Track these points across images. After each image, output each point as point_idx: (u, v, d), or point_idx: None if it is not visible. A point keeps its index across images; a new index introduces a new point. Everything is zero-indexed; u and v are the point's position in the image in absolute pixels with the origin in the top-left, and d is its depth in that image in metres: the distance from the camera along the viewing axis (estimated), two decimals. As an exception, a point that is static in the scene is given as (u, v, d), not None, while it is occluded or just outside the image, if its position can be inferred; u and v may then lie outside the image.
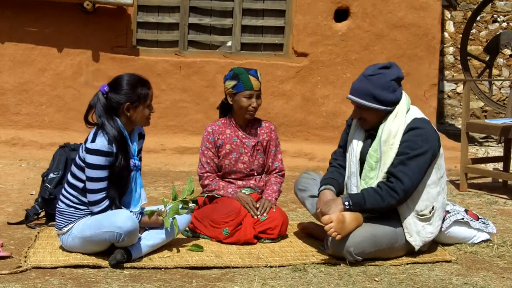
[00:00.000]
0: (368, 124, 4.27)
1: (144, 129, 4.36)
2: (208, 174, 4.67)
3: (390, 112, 4.20)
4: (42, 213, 4.84)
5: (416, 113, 4.26)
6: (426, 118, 4.28)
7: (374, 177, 4.19)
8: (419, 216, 4.20)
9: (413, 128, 4.15)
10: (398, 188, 4.07)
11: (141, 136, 4.31)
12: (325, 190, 4.27)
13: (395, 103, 4.21)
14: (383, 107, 4.18)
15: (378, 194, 4.10)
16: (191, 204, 4.41)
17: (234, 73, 4.63)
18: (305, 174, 4.68)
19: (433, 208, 4.22)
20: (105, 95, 4.09)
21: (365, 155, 4.25)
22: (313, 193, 4.46)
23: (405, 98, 4.25)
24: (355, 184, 4.29)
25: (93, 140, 4.00)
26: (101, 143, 3.99)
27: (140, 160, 4.24)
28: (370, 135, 4.30)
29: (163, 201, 4.39)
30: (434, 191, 4.24)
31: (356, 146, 4.32)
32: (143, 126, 4.24)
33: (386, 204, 4.10)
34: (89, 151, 3.99)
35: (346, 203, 4.12)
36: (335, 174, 4.39)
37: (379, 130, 4.22)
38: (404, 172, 4.09)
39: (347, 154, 4.38)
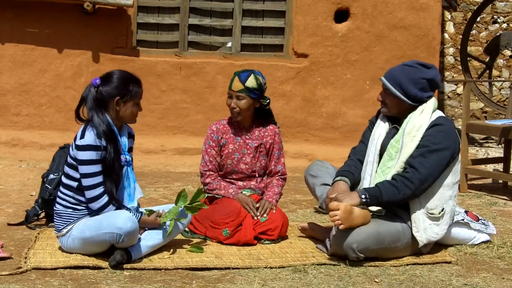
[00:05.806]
0: (387, 110, 4.35)
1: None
2: (211, 172, 4.67)
3: (413, 107, 4.27)
4: (42, 214, 4.84)
5: (441, 114, 4.33)
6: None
7: (392, 166, 4.22)
8: (428, 214, 4.21)
9: (437, 124, 4.22)
10: (414, 177, 4.11)
11: (131, 136, 4.32)
12: (340, 181, 4.29)
13: (418, 100, 4.27)
14: (404, 98, 4.25)
15: (394, 186, 4.12)
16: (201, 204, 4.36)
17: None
18: (318, 161, 4.70)
19: (443, 209, 4.24)
20: (96, 88, 4.11)
21: (386, 147, 4.30)
22: (325, 181, 4.47)
23: (433, 99, 4.32)
24: (369, 173, 4.31)
25: (82, 137, 4.02)
26: (90, 137, 4.00)
27: (131, 158, 4.26)
28: (394, 128, 4.35)
29: (182, 195, 4.33)
30: (447, 194, 4.26)
31: (377, 137, 4.37)
32: (130, 123, 4.26)
33: (402, 196, 4.12)
34: (79, 147, 4.00)
35: (363, 196, 4.13)
36: (351, 168, 4.40)
37: (403, 123, 4.28)
38: (422, 163, 4.13)
39: (368, 146, 4.41)
